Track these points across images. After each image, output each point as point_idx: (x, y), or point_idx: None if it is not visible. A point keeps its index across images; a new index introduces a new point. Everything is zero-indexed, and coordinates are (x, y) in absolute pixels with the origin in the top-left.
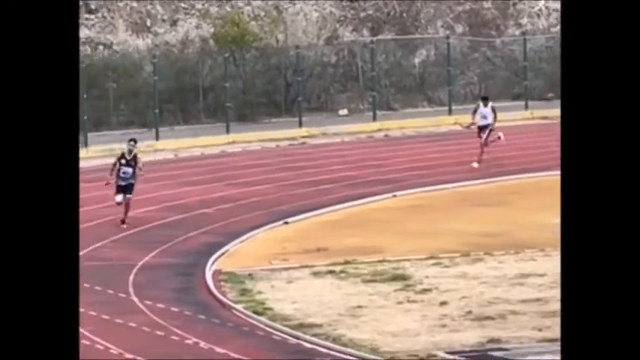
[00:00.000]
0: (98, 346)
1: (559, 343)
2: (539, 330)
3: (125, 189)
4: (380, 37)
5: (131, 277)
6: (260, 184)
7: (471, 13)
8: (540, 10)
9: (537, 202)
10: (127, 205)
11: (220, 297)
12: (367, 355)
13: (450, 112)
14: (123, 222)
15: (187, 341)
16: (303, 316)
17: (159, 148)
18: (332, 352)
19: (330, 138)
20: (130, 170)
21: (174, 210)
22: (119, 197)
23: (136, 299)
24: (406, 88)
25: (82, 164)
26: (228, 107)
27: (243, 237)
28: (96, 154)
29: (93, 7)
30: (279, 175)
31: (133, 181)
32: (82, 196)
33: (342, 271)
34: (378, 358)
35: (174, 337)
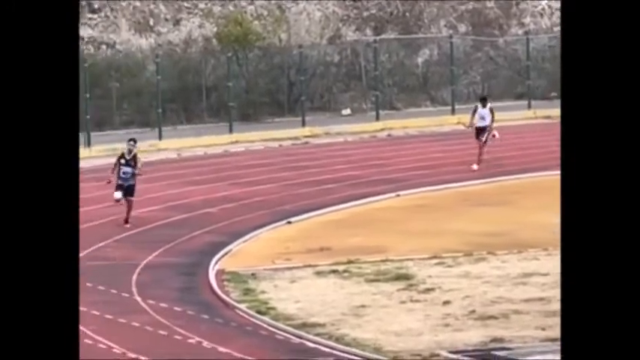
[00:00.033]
0: (101, 346)
1: None
2: (543, 329)
3: (126, 190)
4: (383, 36)
5: (134, 277)
6: (263, 183)
7: (473, 13)
8: (543, 9)
9: (540, 201)
10: (129, 205)
11: (223, 296)
12: (370, 355)
13: (452, 111)
14: (126, 221)
15: (190, 341)
16: (306, 315)
17: (162, 147)
18: (335, 352)
19: (333, 137)
20: (129, 170)
21: (178, 209)
22: (118, 194)
23: (139, 299)
24: (409, 88)
25: (85, 164)
26: (231, 107)
27: (247, 236)
28: (99, 153)
29: (96, 6)
30: (282, 175)
31: (133, 182)
32: (85, 195)
33: (345, 271)
34: (381, 357)
35: (177, 337)
